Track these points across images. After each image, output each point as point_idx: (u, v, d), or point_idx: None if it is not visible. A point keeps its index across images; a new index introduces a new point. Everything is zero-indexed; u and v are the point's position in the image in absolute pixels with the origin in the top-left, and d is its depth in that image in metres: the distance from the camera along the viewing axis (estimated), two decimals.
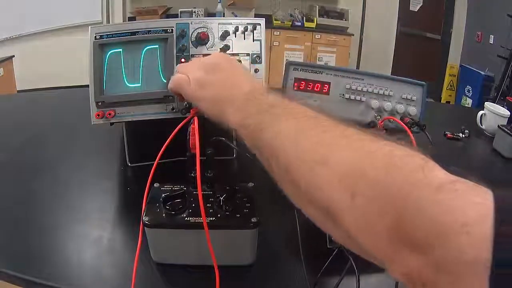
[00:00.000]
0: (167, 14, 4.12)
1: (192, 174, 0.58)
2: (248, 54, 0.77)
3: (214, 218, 0.55)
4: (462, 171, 0.30)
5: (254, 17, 3.44)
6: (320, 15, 4.27)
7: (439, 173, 0.30)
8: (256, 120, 0.43)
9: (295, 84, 0.76)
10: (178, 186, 0.60)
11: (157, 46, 0.72)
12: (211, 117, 0.52)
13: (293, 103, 0.44)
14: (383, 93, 0.75)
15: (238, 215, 0.56)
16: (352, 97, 0.76)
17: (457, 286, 0.26)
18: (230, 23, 0.76)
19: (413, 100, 0.75)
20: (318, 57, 4.20)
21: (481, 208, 0.26)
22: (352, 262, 0.50)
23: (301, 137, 0.38)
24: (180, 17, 3.36)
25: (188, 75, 0.53)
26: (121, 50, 0.71)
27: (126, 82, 0.72)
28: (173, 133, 0.56)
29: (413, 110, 0.75)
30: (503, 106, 1.24)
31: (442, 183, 0.29)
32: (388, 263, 0.30)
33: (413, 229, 0.28)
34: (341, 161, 0.34)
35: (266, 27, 0.78)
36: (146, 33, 0.71)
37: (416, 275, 0.28)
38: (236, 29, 0.76)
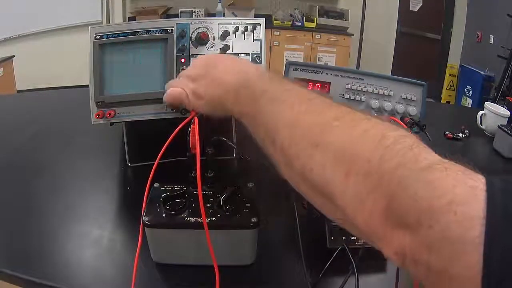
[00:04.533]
0: (167, 14, 4.12)
1: (192, 174, 0.58)
2: (248, 54, 0.77)
3: (214, 218, 0.55)
4: (456, 157, 0.30)
5: (254, 17, 3.44)
6: (320, 15, 4.27)
7: (428, 155, 0.31)
8: (251, 108, 0.44)
9: None
10: (178, 186, 0.60)
11: (157, 46, 0.72)
12: (219, 117, 0.53)
13: (287, 84, 0.44)
14: (383, 93, 0.75)
15: (238, 215, 0.56)
16: (352, 97, 0.76)
17: (447, 264, 0.26)
18: (230, 23, 0.76)
19: (413, 100, 0.75)
20: (318, 57, 4.21)
21: (470, 188, 0.27)
22: (354, 264, 0.50)
23: (296, 121, 0.39)
24: (180, 17, 3.36)
25: (183, 88, 0.54)
26: (121, 50, 0.71)
27: (126, 82, 0.72)
28: (173, 133, 0.56)
29: (413, 110, 0.75)
30: (503, 106, 1.24)
31: (431, 163, 0.29)
32: (382, 242, 0.31)
33: (403, 207, 0.29)
34: (334, 142, 0.35)
35: (266, 27, 0.78)
36: (146, 33, 0.71)
37: (408, 253, 0.28)
38: (236, 29, 0.76)
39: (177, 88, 0.54)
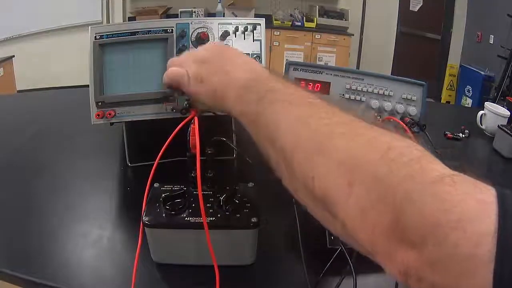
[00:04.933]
0: (167, 14, 4.13)
1: (192, 174, 0.58)
2: (248, 54, 0.77)
3: (214, 218, 0.55)
4: (464, 167, 0.29)
5: (254, 17, 3.44)
6: (320, 15, 4.27)
7: (437, 166, 0.29)
8: (253, 108, 0.42)
9: None
10: (178, 186, 0.60)
11: (157, 46, 0.72)
12: (214, 109, 0.52)
13: (291, 87, 0.43)
14: (383, 93, 0.75)
15: (238, 215, 0.56)
16: (352, 97, 0.76)
17: (454, 283, 0.25)
18: (230, 23, 0.76)
19: (413, 100, 0.75)
20: (318, 57, 4.21)
21: (480, 203, 0.25)
22: (351, 264, 0.50)
23: (298, 125, 0.38)
24: (180, 17, 3.35)
25: (186, 70, 0.51)
26: (121, 50, 0.71)
27: (126, 82, 0.72)
28: (173, 133, 0.56)
29: (413, 110, 0.75)
30: (503, 106, 1.24)
31: (439, 176, 0.28)
32: (384, 259, 0.30)
33: (408, 222, 0.27)
34: (338, 150, 0.33)
35: (266, 27, 0.78)
36: (146, 33, 0.71)
37: (412, 272, 0.27)
38: (236, 29, 0.76)
39: (178, 68, 0.51)
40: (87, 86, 0.71)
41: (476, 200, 0.26)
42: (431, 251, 0.26)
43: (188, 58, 0.52)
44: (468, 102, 3.97)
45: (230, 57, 0.51)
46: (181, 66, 0.52)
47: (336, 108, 0.38)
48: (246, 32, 0.77)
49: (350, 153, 0.33)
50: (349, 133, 0.35)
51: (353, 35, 4.32)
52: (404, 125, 0.70)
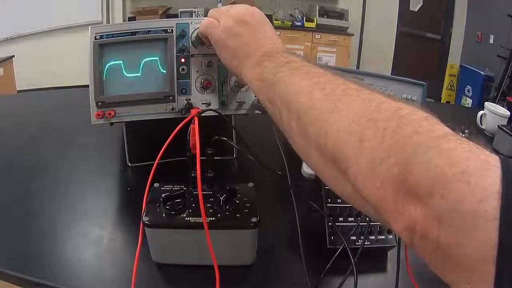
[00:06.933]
0: (167, 14, 4.13)
1: (192, 174, 0.58)
2: None
3: (214, 218, 0.55)
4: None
5: None
6: (320, 15, 4.28)
7: (443, 127, 0.31)
8: (272, 74, 0.46)
9: None
10: (178, 186, 0.60)
11: (157, 46, 0.72)
12: (227, 68, 0.55)
13: (310, 63, 0.46)
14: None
15: (238, 215, 0.56)
16: None
17: (457, 239, 0.25)
18: None
19: (413, 100, 0.75)
20: (318, 57, 4.21)
21: (484, 162, 0.26)
22: (353, 262, 0.50)
23: (314, 88, 0.40)
24: (180, 17, 3.35)
25: (219, 21, 0.55)
26: (121, 50, 0.71)
27: (126, 82, 0.72)
28: (173, 133, 0.56)
29: None
30: (503, 106, 1.24)
31: (445, 133, 0.29)
32: (391, 216, 0.30)
33: (415, 175, 0.28)
34: (351, 109, 0.35)
35: None
36: (146, 33, 0.71)
37: (418, 227, 0.27)
38: None
39: (213, 19, 0.56)
40: (87, 86, 0.71)
41: (481, 159, 0.26)
42: (436, 205, 0.26)
43: (228, 12, 0.56)
44: (468, 102, 3.97)
45: (266, 27, 0.55)
46: (218, 18, 0.56)
47: (350, 79, 0.41)
48: None
49: (362, 112, 0.34)
50: (362, 96, 0.37)
51: (353, 35, 4.32)
52: None
